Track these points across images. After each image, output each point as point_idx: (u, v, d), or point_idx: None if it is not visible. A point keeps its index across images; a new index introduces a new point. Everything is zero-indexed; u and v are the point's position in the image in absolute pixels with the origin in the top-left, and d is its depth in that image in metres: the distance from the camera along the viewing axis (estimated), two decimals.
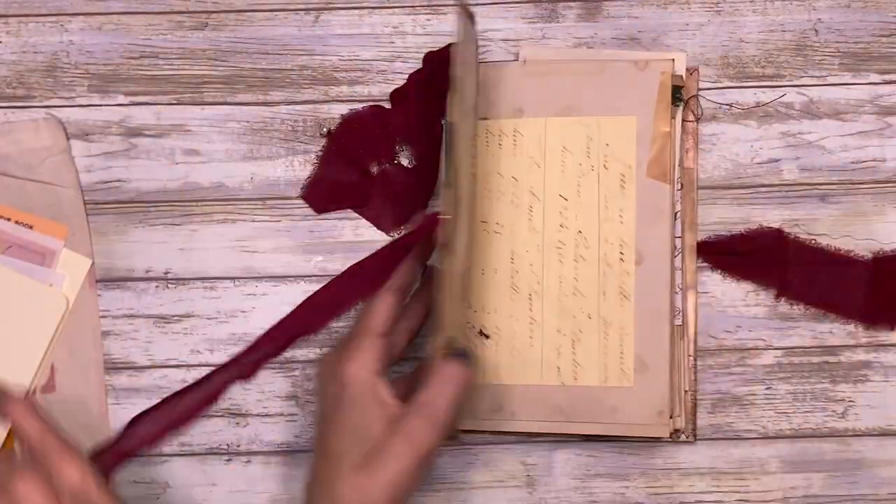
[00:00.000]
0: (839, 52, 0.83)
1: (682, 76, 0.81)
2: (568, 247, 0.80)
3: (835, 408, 0.81)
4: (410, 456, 0.66)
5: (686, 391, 0.80)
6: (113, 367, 0.82)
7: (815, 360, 0.82)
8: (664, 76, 0.79)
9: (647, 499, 0.81)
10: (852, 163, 0.82)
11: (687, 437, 0.80)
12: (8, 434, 0.79)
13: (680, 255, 0.81)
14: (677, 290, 0.80)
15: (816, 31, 0.83)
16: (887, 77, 0.83)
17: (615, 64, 0.80)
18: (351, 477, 0.66)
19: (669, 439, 0.80)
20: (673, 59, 0.80)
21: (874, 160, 0.82)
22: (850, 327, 0.82)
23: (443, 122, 0.80)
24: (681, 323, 0.80)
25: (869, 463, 0.81)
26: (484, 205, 0.81)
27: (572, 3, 0.83)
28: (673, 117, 0.80)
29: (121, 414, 0.81)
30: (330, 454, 0.68)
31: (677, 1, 0.83)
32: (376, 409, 0.67)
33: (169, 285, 0.82)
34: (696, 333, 0.81)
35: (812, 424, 0.81)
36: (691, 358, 0.81)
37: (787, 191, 0.82)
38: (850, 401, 0.81)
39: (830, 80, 0.83)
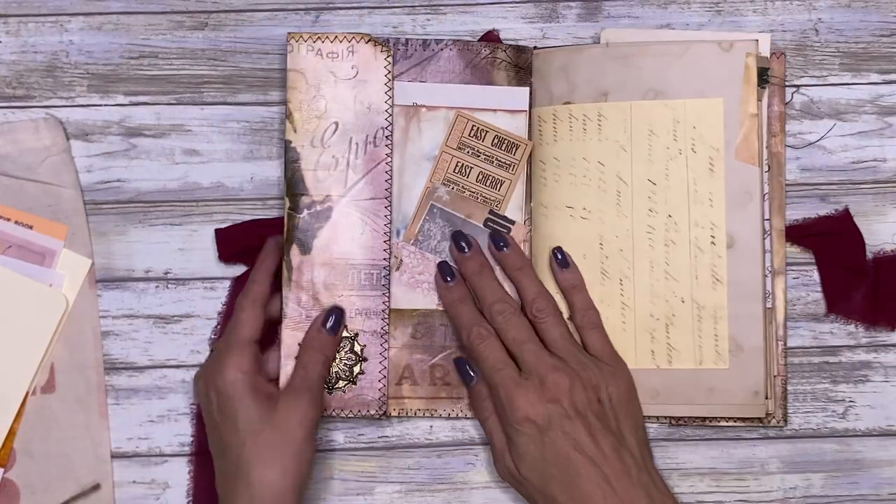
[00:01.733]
0: (839, 52, 0.83)
1: (767, 58, 0.81)
2: (658, 231, 0.80)
3: (835, 408, 0.81)
4: (296, 424, 0.74)
5: (776, 376, 0.80)
6: (113, 367, 0.82)
7: (815, 360, 0.82)
8: (749, 58, 0.79)
9: None
10: (852, 163, 0.82)
11: (777, 422, 0.80)
12: (8, 433, 0.79)
13: (769, 237, 0.81)
14: (767, 273, 0.80)
15: (816, 30, 0.83)
16: (888, 77, 0.83)
17: (699, 45, 0.80)
18: (255, 455, 0.73)
19: (763, 422, 0.80)
20: (757, 40, 0.80)
21: (874, 160, 0.82)
22: (850, 327, 0.82)
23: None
24: (770, 306, 0.80)
25: (869, 463, 0.81)
26: (570, 190, 0.81)
27: (572, 3, 0.83)
28: (759, 100, 0.79)
29: (121, 414, 0.81)
30: (229, 448, 0.75)
31: (677, 1, 0.83)
32: (260, 400, 0.75)
33: (169, 285, 0.82)
34: (785, 318, 0.81)
35: (812, 424, 0.81)
36: (781, 343, 0.80)
37: (787, 191, 0.82)
38: (850, 401, 0.81)
39: (831, 80, 0.83)
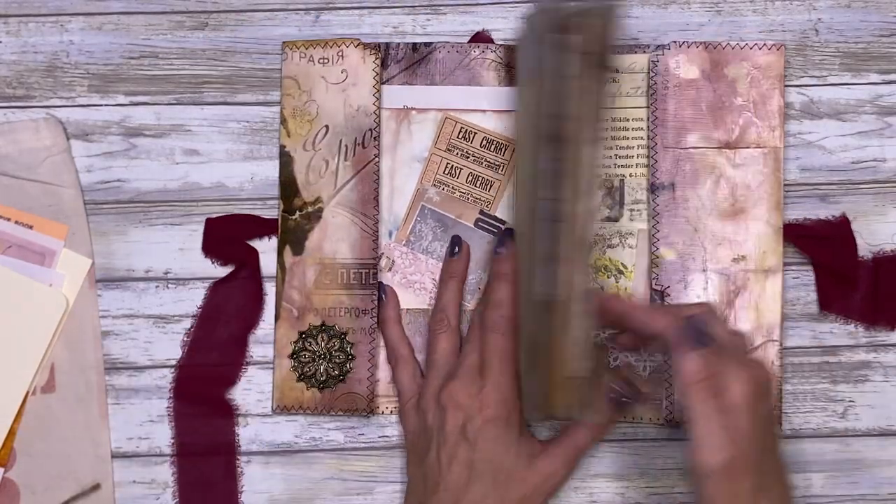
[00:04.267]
0: (839, 52, 0.83)
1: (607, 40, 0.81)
2: None
3: (835, 408, 0.81)
4: (546, 487, 0.77)
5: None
6: (113, 367, 0.82)
7: (815, 360, 0.82)
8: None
9: (647, 499, 0.81)
10: (852, 163, 0.82)
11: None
12: (8, 433, 0.79)
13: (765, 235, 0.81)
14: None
15: (816, 31, 0.83)
16: (887, 77, 0.83)
17: None
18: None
19: None
20: None
21: (874, 160, 0.82)
22: (850, 327, 0.82)
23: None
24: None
25: (869, 463, 0.81)
26: None
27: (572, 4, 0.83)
28: (600, 81, 0.80)
29: (121, 414, 0.81)
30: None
31: (677, 1, 0.83)
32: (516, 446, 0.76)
33: (169, 285, 0.82)
34: (782, 318, 0.80)
35: (812, 424, 0.81)
36: (777, 343, 0.80)
37: (787, 191, 0.82)
38: (850, 401, 0.81)
39: (830, 80, 0.83)
